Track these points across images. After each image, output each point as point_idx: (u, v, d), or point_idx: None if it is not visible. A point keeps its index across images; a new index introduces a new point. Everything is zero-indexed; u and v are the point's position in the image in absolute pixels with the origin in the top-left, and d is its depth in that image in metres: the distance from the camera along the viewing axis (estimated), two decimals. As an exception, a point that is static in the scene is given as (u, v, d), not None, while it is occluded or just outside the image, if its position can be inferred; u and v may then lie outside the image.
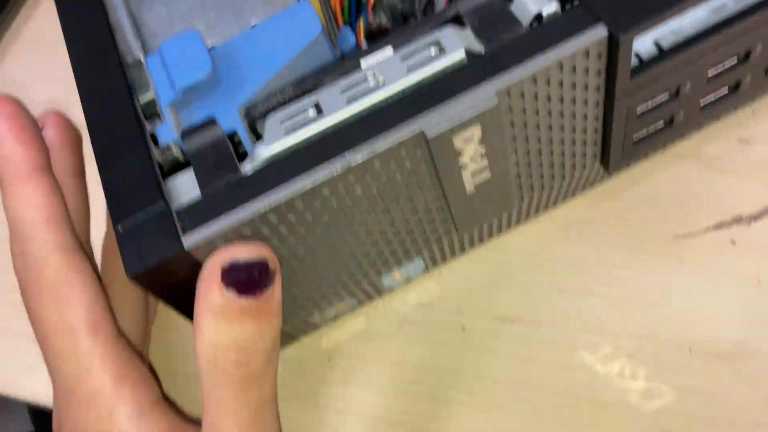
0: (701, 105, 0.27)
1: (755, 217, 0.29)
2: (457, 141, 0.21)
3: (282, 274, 0.21)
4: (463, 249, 0.30)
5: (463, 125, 0.21)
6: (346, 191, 0.21)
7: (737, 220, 0.30)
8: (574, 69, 0.21)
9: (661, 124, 0.27)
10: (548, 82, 0.21)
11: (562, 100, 0.22)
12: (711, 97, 0.27)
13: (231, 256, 0.19)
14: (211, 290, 0.18)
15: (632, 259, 0.30)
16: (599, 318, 0.29)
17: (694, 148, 0.31)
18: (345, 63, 0.22)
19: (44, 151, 0.23)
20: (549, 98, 0.22)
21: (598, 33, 0.21)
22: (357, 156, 0.20)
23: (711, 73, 0.25)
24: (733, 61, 0.25)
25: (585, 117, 0.24)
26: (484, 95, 0.21)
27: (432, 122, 0.20)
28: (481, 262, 0.31)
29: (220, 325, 0.18)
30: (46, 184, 0.22)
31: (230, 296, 0.18)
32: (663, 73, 0.24)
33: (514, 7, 0.22)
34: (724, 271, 0.29)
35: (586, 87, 0.23)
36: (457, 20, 0.23)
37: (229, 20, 0.26)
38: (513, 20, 0.22)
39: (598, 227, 0.31)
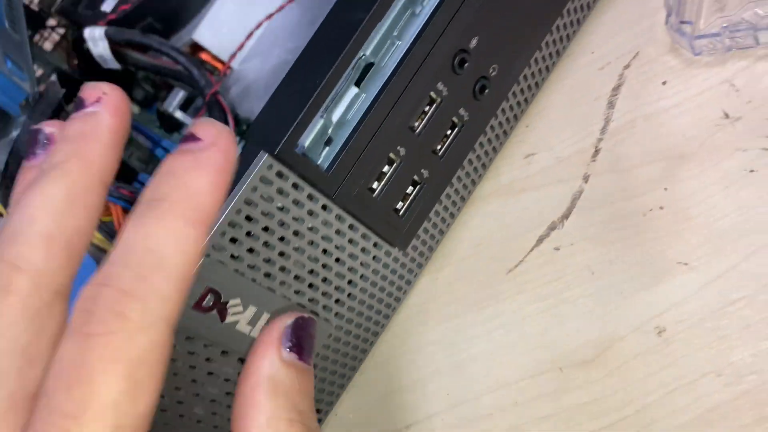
0: (439, 153, 0.29)
1: (565, 216, 0.30)
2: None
3: None
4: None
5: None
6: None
7: (552, 227, 0.30)
8: (262, 197, 0.24)
9: (411, 188, 0.28)
10: (248, 218, 0.24)
11: (283, 222, 0.25)
12: (444, 142, 0.29)
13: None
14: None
15: (481, 312, 0.30)
16: (477, 378, 0.29)
17: (491, 183, 0.32)
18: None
19: None
20: (266, 229, 0.24)
21: (262, 158, 0.23)
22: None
23: (415, 124, 0.27)
24: (425, 106, 0.27)
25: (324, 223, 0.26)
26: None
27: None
28: (363, 387, 0.31)
29: None
30: None
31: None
32: (358, 154, 0.26)
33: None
34: (559, 278, 0.29)
35: (296, 202, 0.25)
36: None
37: None
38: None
39: (442, 299, 0.31)
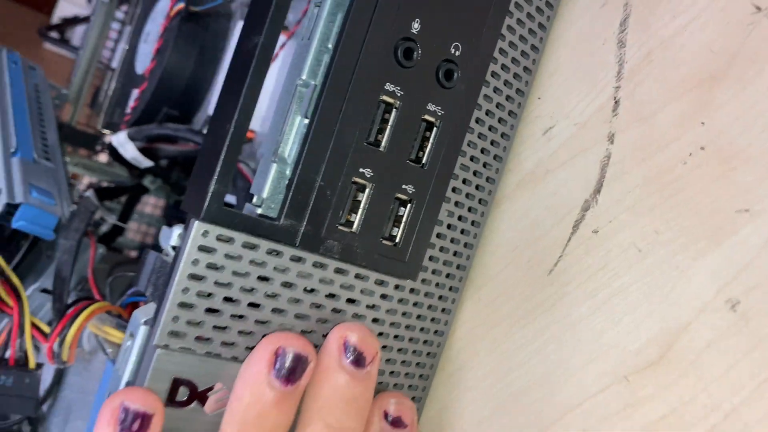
0: (422, 160, 0.25)
1: (596, 190, 0.24)
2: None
3: None
4: None
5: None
6: None
7: (585, 207, 0.24)
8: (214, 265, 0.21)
9: (402, 209, 0.25)
10: (201, 294, 0.21)
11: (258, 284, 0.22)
12: (423, 147, 0.25)
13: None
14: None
15: (529, 327, 0.25)
16: (539, 409, 0.24)
17: (515, 174, 0.27)
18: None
19: None
20: (229, 300, 0.22)
21: (192, 226, 0.21)
22: None
23: (378, 138, 0.24)
24: (380, 114, 0.24)
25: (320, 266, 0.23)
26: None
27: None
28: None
29: None
30: None
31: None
32: (309, 192, 0.23)
33: (164, 247, 0.23)
34: (604, 266, 0.23)
35: (255, 262, 0.22)
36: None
37: None
38: (167, 268, 0.23)
39: (489, 321, 0.27)
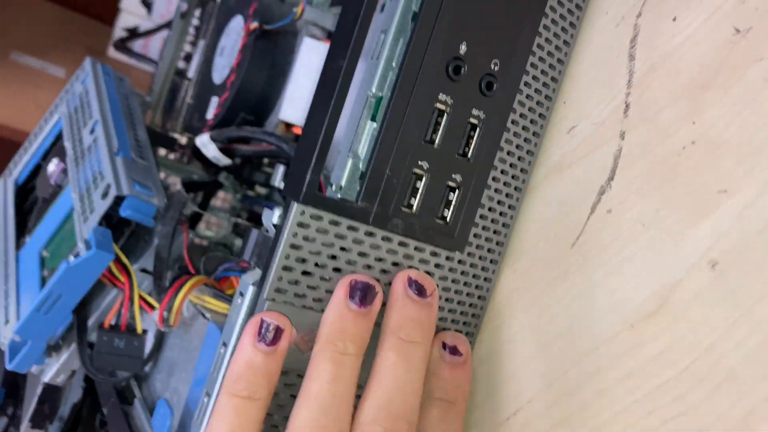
0: (468, 155, 0.30)
1: (610, 178, 0.30)
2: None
3: None
4: None
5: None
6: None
7: (601, 192, 0.30)
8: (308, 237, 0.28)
9: (451, 194, 0.31)
10: (299, 259, 0.28)
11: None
12: (469, 144, 0.31)
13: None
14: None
15: (556, 290, 0.31)
16: (563, 354, 0.30)
17: (544, 168, 0.33)
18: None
19: None
20: (318, 265, 0.28)
21: (293, 207, 0.27)
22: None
23: (433, 137, 0.30)
24: (435, 118, 0.30)
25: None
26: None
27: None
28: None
29: None
30: None
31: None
32: (380, 180, 0.29)
33: (266, 225, 0.30)
34: (616, 239, 0.29)
35: (339, 235, 0.28)
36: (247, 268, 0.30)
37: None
38: (269, 241, 0.29)
39: (523, 287, 0.33)
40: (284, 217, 0.28)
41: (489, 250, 0.33)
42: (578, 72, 0.33)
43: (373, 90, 0.29)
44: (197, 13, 0.62)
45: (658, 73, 0.29)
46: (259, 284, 0.28)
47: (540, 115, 0.33)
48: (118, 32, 1.17)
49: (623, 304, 0.28)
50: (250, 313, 0.28)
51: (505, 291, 0.33)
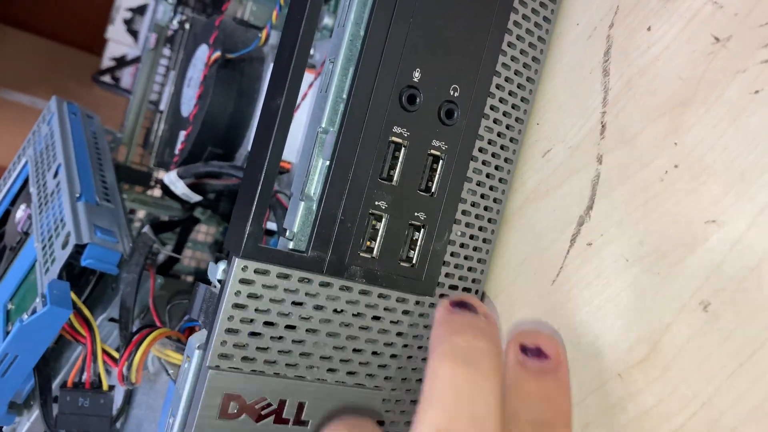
0: (431, 190, 0.28)
1: (589, 207, 0.27)
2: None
3: None
4: None
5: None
6: None
7: (580, 222, 0.27)
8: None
9: (416, 233, 0.28)
10: (244, 320, 0.25)
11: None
12: (432, 178, 0.28)
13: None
14: None
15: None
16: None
17: (519, 194, 0.30)
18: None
19: None
20: (269, 324, 0.25)
21: (234, 262, 0.25)
22: None
23: (390, 173, 0.27)
24: (391, 153, 0.27)
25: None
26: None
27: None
28: None
29: None
30: None
31: None
32: (332, 225, 0.26)
33: (211, 280, 0.27)
34: (598, 276, 0.26)
35: (289, 289, 0.25)
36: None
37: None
38: (215, 298, 0.26)
39: (504, 328, 0.30)
40: (227, 272, 0.25)
41: (463, 290, 0.30)
42: (551, 90, 0.30)
43: (323, 125, 0.26)
44: (168, 43, 0.60)
45: (635, 89, 0.26)
46: (204, 347, 0.25)
47: (511, 139, 0.30)
48: (107, 62, 1.16)
49: (609, 350, 0.25)
50: (195, 380, 0.25)
51: (484, 333, 0.30)
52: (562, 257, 0.28)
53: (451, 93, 0.27)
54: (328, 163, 0.26)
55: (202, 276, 0.59)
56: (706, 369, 0.22)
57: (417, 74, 0.26)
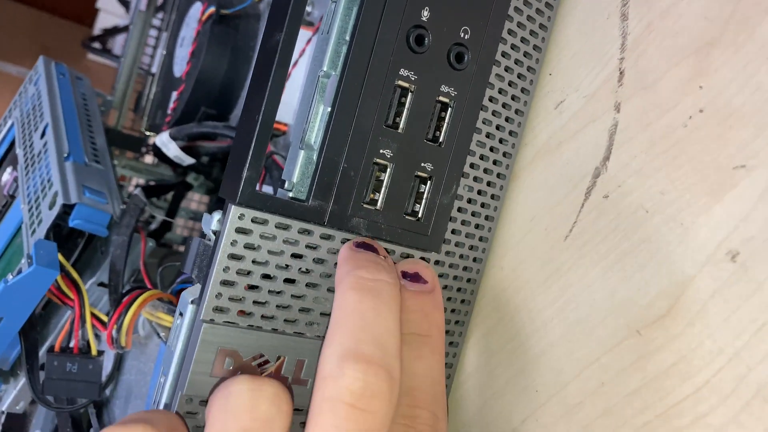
0: (439, 139, 0.26)
1: (606, 158, 0.26)
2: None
3: None
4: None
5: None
6: None
7: (596, 174, 0.26)
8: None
9: (422, 186, 0.26)
10: (241, 272, 0.23)
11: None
12: (440, 127, 0.26)
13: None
14: None
15: (549, 291, 0.27)
16: (560, 366, 0.25)
17: (531, 148, 0.29)
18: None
19: None
20: (267, 276, 0.24)
21: (229, 210, 0.23)
22: None
23: (396, 120, 0.25)
24: (397, 98, 0.25)
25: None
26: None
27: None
28: (455, 404, 0.29)
29: None
30: None
31: None
32: (334, 173, 0.24)
33: (206, 231, 0.25)
34: (615, 229, 0.25)
35: (289, 240, 0.24)
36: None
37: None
38: (210, 250, 0.25)
39: (512, 287, 0.28)
40: (223, 222, 0.23)
41: (471, 248, 0.28)
42: (565, 38, 0.29)
43: (325, 68, 0.25)
44: (159, 2, 0.58)
45: (656, 32, 0.25)
46: (198, 301, 0.24)
47: (522, 89, 0.28)
48: (98, 33, 1.13)
49: (627, 306, 0.24)
50: (189, 336, 0.24)
51: (491, 293, 0.29)
52: (576, 211, 0.26)
53: (462, 35, 0.26)
54: (329, 109, 0.25)
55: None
56: (734, 323, 0.20)
57: (426, 13, 0.25)
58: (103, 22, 1.13)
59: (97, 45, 0.76)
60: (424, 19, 0.25)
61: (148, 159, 0.56)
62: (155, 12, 0.57)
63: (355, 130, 0.24)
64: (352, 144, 0.25)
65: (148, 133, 0.53)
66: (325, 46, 0.25)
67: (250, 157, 0.23)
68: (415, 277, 0.25)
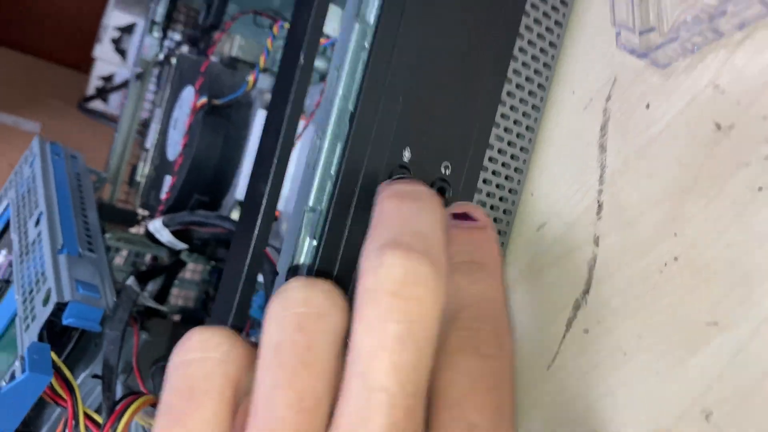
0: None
1: (585, 291, 0.26)
2: None
3: None
4: None
5: None
6: None
7: (576, 306, 0.26)
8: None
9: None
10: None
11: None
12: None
13: None
14: None
15: (532, 423, 0.27)
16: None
17: (512, 268, 0.29)
18: None
19: None
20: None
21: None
22: None
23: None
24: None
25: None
26: None
27: None
28: None
29: None
30: None
31: None
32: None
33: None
34: (595, 367, 0.25)
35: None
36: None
37: None
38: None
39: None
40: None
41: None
42: (546, 160, 0.29)
43: (310, 204, 0.25)
44: (155, 74, 0.59)
45: (633, 170, 0.25)
46: None
47: (505, 211, 0.29)
48: (95, 81, 1.15)
49: (606, 448, 0.24)
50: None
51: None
52: (558, 341, 0.27)
53: (443, 171, 0.26)
54: (315, 243, 0.25)
55: (188, 315, 0.58)
56: (709, 483, 0.21)
57: (407, 154, 0.25)
58: (99, 71, 1.14)
59: (92, 105, 0.76)
60: (405, 159, 0.25)
61: (142, 229, 0.56)
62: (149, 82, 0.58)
63: (340, 265, 0.25)
64: (338, 276, 0.25)
65: (141, 211, 0.54)
66: (311, 181, 0.25)
67: (233, 313, 0.23)
68: (465, 216, 0.24)
